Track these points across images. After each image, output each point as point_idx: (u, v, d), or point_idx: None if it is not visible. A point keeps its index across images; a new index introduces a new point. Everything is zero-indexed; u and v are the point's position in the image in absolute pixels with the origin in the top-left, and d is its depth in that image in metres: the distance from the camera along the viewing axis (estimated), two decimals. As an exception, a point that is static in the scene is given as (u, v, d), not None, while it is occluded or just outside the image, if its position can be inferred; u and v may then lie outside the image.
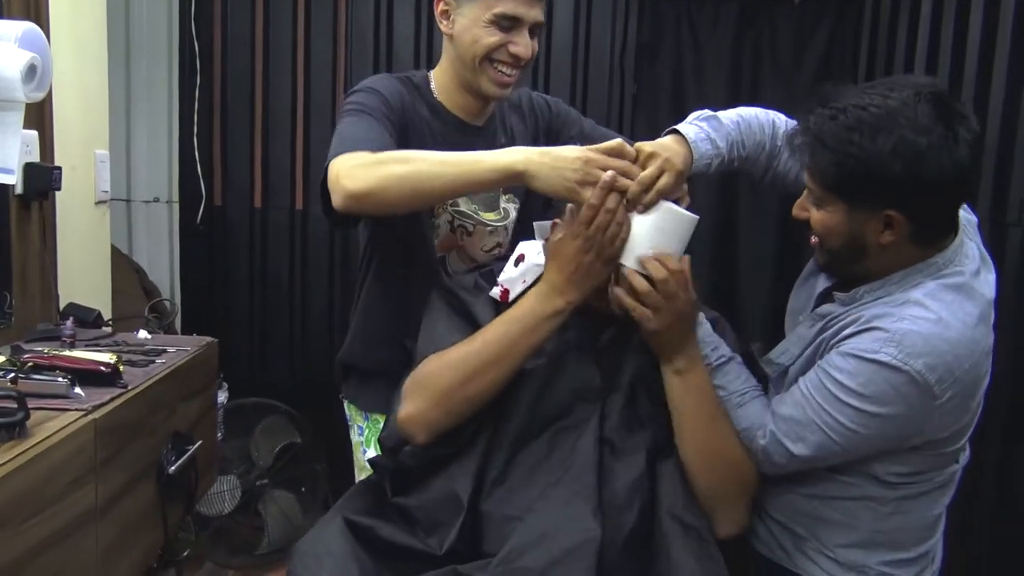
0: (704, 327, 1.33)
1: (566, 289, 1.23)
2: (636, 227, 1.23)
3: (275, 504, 2.90)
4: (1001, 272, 2.15)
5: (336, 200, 1.32)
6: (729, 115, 1.40)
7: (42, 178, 1.78)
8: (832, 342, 1.25)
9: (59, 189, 1.84)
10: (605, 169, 1.21)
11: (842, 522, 1.31)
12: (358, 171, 1.30)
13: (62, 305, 1.91)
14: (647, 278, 1.22)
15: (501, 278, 1.39)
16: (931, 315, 1.18)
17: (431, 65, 3.02)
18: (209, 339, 1.92)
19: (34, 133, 1.78)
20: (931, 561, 1.36)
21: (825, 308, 1.32)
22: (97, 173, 2.16)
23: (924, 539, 1.34)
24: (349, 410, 1.79)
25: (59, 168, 1.83)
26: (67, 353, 1.54)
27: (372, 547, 1.22)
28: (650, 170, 1.23)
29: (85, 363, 1.49)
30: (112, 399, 1.42)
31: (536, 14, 1.51)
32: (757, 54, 3.14)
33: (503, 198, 1.69)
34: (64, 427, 1.27)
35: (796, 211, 1.29)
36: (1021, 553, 2.17)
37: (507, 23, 1.48)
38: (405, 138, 1.52)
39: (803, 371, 1.29)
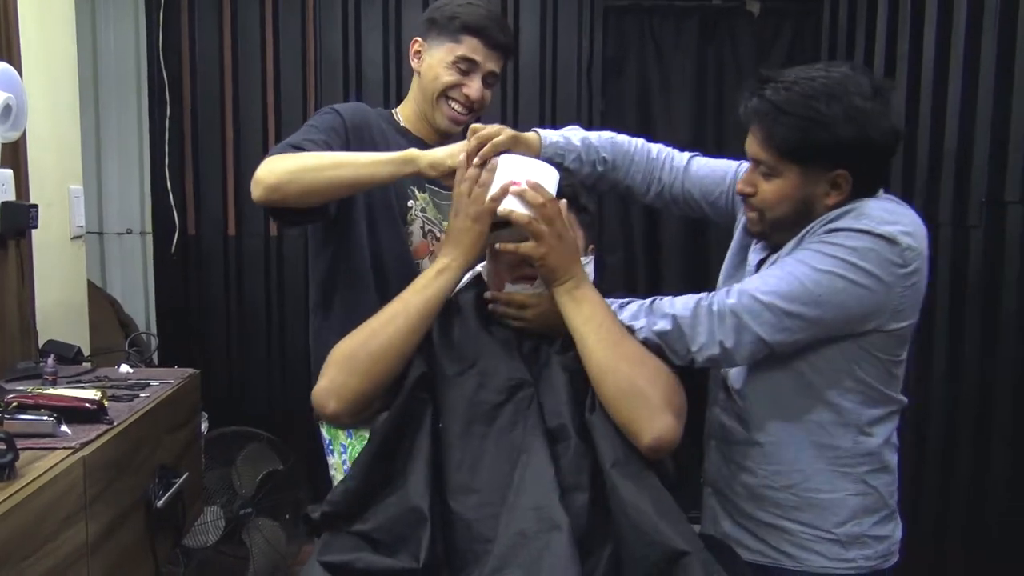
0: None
1: (449, 250, 1.39)
2: (497, 177, 1.37)
3: (259, 533, 2.88)
4: (964, 274, 2.23)
5: (255, 193, 1.50)
6: (597, 132, 1.61)
7: (19, 216, 1.77)
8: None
9: (36, 227, 1.83)
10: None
11: (830, 500, 1.36)
12: (272, 165, 1.50)
13: (41, 342, 1.90)
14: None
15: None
16: (889, 203, 1.34)
17: (400, 88, 3.09)
18: (191, 371, 1.92)
19: (9, 172, 1.78)
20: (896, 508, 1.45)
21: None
22: (72, 209, 2.15)
23: (894, 491, 1.42)
24: (329, 433, 1.80)
25: (36, 206, 1.82)
26: (51, 391, 1.53)
27: None
28: (488, 129, 1.43)
29: (70, 400, 1.48)
30: (99, 435, 1.42)
31: (491, 64, 1.71)
32: (720, 65, 3.21)
33: None
34: (54, 466, 1.27)
35: (742, 187, 1.39)
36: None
37: (465, 66, 1.69)
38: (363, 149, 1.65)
39: None
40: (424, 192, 1.76)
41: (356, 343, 1.34)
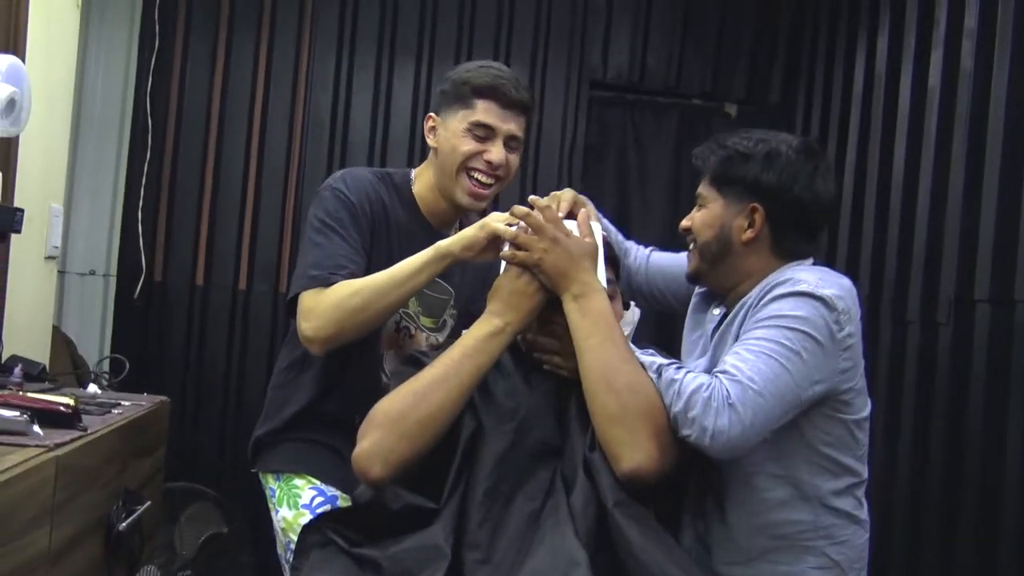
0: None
1: (503, 312, 1.34)
2: None
3: (197, 598, 2.70)
4: (932, 371, 2.24)
5: (304, 341, 1.51)
6: None
7: (4, 219, 1.71)
8: (748, 316, 1.36)
9: (19, 231, 1.76)
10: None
11: (789, 572, 1.36)
12: (316, 315, 1.48)
13: (4, 357, 1.80)
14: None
15: None
16: (818, 270, 1.40)
17: (384, 153, 3.11)
18: (162, 398, 1.84)
19: (-1, 172, 1.73)
20: None
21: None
22: (51, 227, 2.09)
23: (857, 568, 1.41)
24: (264, 480, 1.71)
25: (22, 210, 1.75)
26: (24, 393, 1.44)
27: None
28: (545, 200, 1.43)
29: (44, 403, 1.40)
30: (73, 440, 1.34)
31: (510, 128, 1.59)
32: (696, 161, 3.32)
33: (448, 310, 1.73)
34: (26, 460, 1.18)
35: (683, 222, 1.50)
36: None
37: (482, 132, 1.58)
38: (373, 233, 1.61)
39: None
40: None
41: (404, 407, 1.28)
